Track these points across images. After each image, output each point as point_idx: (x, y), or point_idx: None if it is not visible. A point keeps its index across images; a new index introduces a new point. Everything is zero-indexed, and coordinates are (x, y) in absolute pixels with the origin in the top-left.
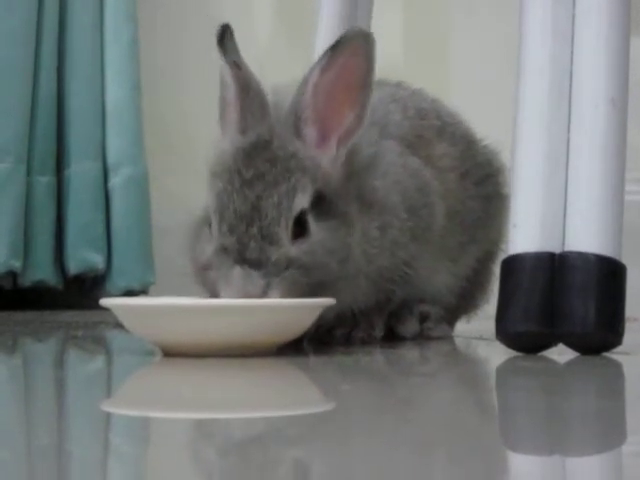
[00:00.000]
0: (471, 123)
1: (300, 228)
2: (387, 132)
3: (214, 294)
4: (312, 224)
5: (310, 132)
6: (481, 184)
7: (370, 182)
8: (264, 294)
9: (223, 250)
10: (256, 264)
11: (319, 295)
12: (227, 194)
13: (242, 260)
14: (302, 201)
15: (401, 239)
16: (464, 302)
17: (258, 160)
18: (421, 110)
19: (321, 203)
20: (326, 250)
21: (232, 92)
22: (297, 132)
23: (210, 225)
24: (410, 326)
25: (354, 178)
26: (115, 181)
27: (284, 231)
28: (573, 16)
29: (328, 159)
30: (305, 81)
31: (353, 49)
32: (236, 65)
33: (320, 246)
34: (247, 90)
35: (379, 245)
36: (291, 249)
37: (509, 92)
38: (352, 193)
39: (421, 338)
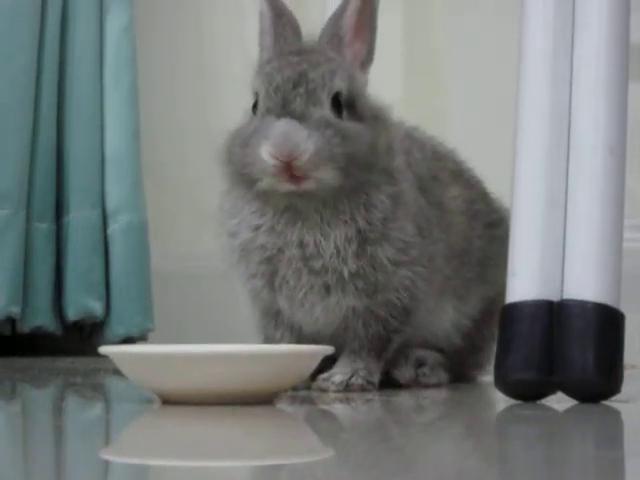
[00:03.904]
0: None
1: (335, 108)
2: (408, 164)
3: (247, 172)
4: (345, 113)
5: (347, 51)
6: (493, 226)
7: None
8: (304, 144)
9: (268, 111)
10: (299, 117)
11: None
12: (275, 69)
13: (286, 114)
14: (340, 84)
15: (406, 255)
16: (469, 342)
17: (302, 55)
18: (438, 153)
19: (353, 107)
20: (357, 132)
21: (267, 20)
22: (335, 47)
23: (254, 105)
24: (405, 371)
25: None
26: (114, 228)
27: (326, 98)
28: (572, 63)
29: (359, 75)
30: (344, 6)
31: None
32: None
33: (353, 126)
34: (280, 16)
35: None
36: (331, 115)
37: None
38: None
39: (416, 385)
